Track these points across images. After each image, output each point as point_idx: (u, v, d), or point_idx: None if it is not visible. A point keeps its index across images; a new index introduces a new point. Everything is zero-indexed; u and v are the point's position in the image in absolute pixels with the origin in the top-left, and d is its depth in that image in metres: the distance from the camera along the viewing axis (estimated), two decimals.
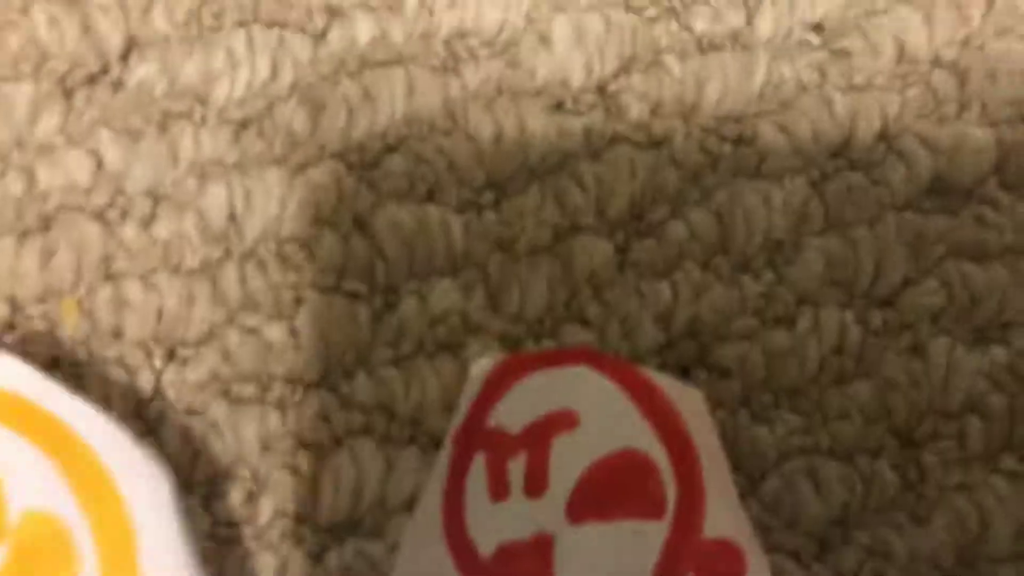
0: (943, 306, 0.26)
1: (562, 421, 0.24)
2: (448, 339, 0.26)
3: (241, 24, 0.27)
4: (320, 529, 0.25)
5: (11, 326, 0.25)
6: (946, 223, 0.27)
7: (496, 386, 0.24)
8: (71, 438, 0.24)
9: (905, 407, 0.26)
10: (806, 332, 0.26)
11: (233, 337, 0.25)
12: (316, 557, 0.24)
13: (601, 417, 0.24)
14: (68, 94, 0.26)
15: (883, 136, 0.27)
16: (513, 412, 0.24)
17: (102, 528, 0.23)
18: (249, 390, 0.25)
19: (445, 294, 0.26)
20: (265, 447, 0.25)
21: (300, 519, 0.25)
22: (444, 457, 0.24)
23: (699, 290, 0.26)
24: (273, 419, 0.25)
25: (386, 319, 0.26)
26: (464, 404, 0.24)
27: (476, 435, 0.24)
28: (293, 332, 0.25)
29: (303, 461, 0.25)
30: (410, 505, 0.25)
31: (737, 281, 0.26)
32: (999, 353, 0.26)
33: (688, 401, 0.24)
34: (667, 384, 0.24)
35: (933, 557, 0.25)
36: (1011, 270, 0.27)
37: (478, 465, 0.24)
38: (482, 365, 0.25)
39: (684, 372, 0.26)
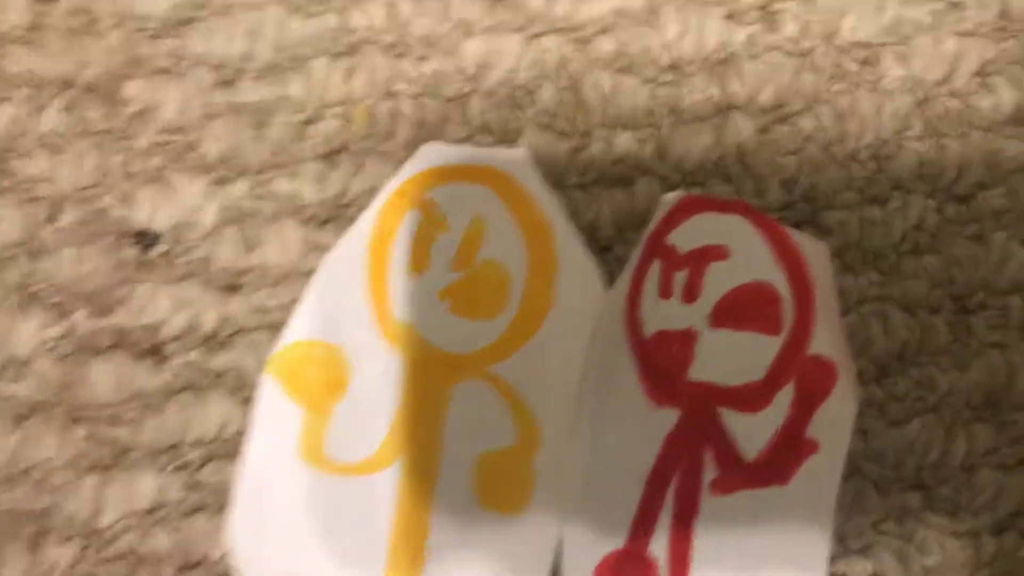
0: (1006, 208, 0.27)
1: (718, 252, 0.26)
2: (623, 175, 0.27)
3: None
4: None
5: (313, 121, 0.28)
6: (1018, 147, 0.27)
7: (677, 214, 0.26)
8: (543, 227, 0.27)
9: (964, 279, 0.27)
10: (895, 210, 0.27)
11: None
12: None
13: (746, 255, 0.26)
14: None
15: (979, 73, 0.28)
16: (685, 237, 0.26)
17: (532, 293, 0.26)
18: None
19: (626, 142, 0.28)
20: None
21: None
22: (635, 255, 0.26)
23: (818, 167, 0.27)
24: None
25: (581, 154, 0.28)
26: (654, 221, 0.26)
27: (657, 246, 0.26)
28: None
29: None
30: None
31: (847, 165, 0.27)
32: None
33: (815, 252, 0.26)
34: (801, 238, 0.26)
35: (967, 396, 0.26)
36: None
37: (655, 268, 0.26)
38: (671, 197, 0.26)
39: (796, 226, 0.27)
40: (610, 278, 0.27)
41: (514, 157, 0.27)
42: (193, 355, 0.27)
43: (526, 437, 0.25)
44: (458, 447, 0.25)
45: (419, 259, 0.26)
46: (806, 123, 0.28)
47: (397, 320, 0.26)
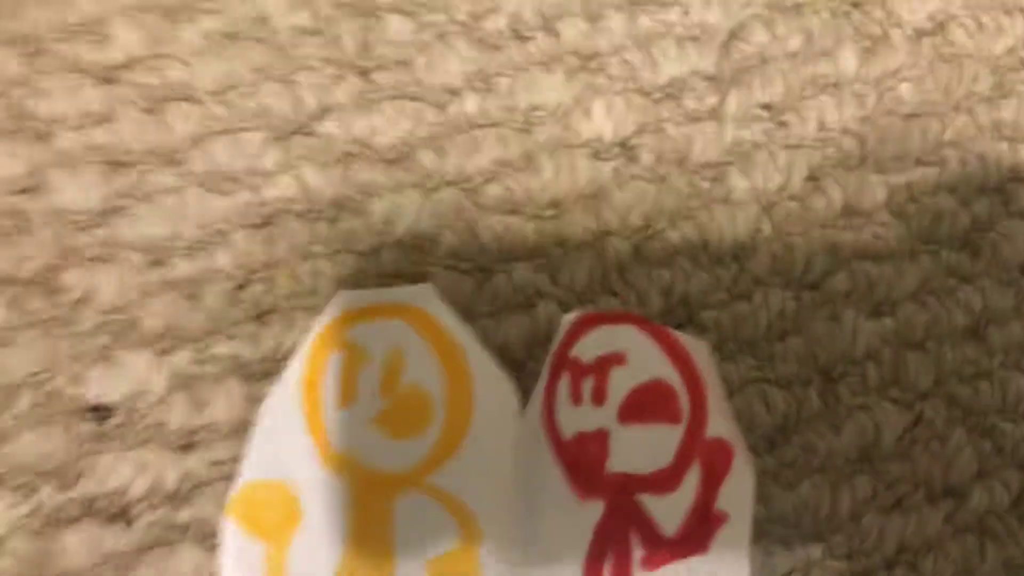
0: (850, 289, 0.30)
1: (617, 358, 0.28)
2: (524, 301, 0.29)
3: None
4: None
5: (242, 287, 0.29)
6: (852, 235, 0.30)
7: (577, 331, 0.28)
8: (455, 347, 0.28)
9: (825, 355, 0.29)
10: (759, 304, 0.30)
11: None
12: None
13: (642, 358, 0.28)
14: (282, 139, 0.31)
15: (811, 178, 0.31)
16: (587, 349, 0.28)
17: (454, 407, 0.27)
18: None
19: (523, 273, 0.29)
20: None
21: None
22: (544, 373, 0.28)
23: (688, 275, 0.30)
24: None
25: (485, 287, 0.29)
26: (557, 339, 0.28)
27: (564, 360, 0.28)
28: None
29: None
30: None
31: (713, 270, 0.30)
32: (888, 322, 0.30)
33: (698, 349, 0.28)
34: (684, 338, 0.28)
35: (844, 454, 0.29)
36: (896, 267, 0.30)
37: (564, 380, 0.28)
38: (570, 317, 0.28)
39: (678, 328, 0.29)
40: (524, 392, 0.29)
41: (421, 292, 0.28)
42: (159, 513, 0.27)
43: (468, 536, 0.27)
44: (408, 557, 0.27)
45: (347, 393, 0.27)
46: (673, 237, 0.30)
47: (337, 451, 0.27)
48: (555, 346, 0.28)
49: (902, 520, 0.29)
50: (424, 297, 0.28)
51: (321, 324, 0.28)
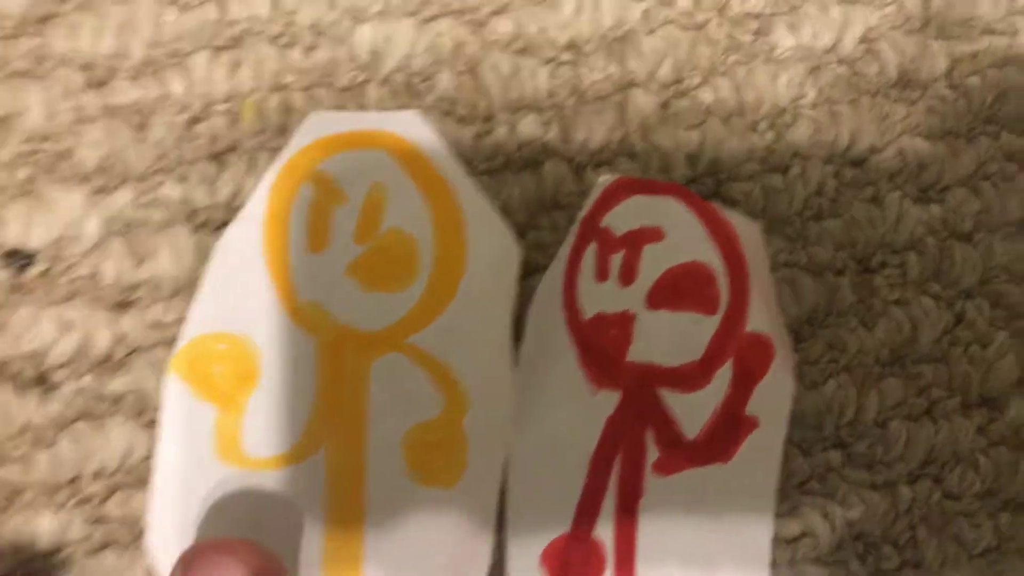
0: (898, 169, 0.25)
1: (653, 234, 0.23)
2: (530, 159, 0.24)
3: None
4: None
5: (198, 120, 0.23)
6: (905, 109, 0.25)
7: (611, 197, 0.23)
8: (445, 188, 0.22)
9: (864, 241, 0.24)
10: (795, 178, 0.24)
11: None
12: None
13: (681, 236, 0.23)
14: None
15: (864, 39, 0.25)
16: (620, 219, 0.23)
17: (442, 257, 0.22)
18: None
19: (530, 125, 0.24)
20: None
21: None
22: (570, 237, 0.23)
23: (719, 139, 0.24)
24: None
25: (485, 139, 0.24)
26: (588, 203, 0.23)
27: (592, 229, 0.23)
28: None
29: None
30: None
31: (747, 136, 0.25)
32: (936, 209, 0.25)
33: (748, 232, 0.23)
34: (734, 218, 0.23)
35: (875, 353, 0.24)
36: (950, 147, 0.25)
37: (591, 251, 0.23)
38: (604, 179, 0.23)
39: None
40: (526, 265, 0.23)
41: (406, 119, 0.23)
42: (85, 381, 0.21)
43: (452, 404, 0.22)
44: (384, 426, 0.22)
45: (318, 236, 0.22)
46: (706, 96, 0.25)
47: (304, 302, 0.22)
48: (585, 210, 0.23)
49: (932, 429, 0.24)
50: (412, 125, 0.23)
51: (289, 152, 0.22)
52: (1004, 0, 0.26)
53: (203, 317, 0.21)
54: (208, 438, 0.21)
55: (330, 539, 0.21)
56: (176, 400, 0.21)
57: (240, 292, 0.22)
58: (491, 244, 0.22)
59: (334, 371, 0.22)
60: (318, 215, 0.22)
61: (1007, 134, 0.25)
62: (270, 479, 0.21)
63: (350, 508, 0.21)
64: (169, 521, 0.21)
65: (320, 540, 0.21)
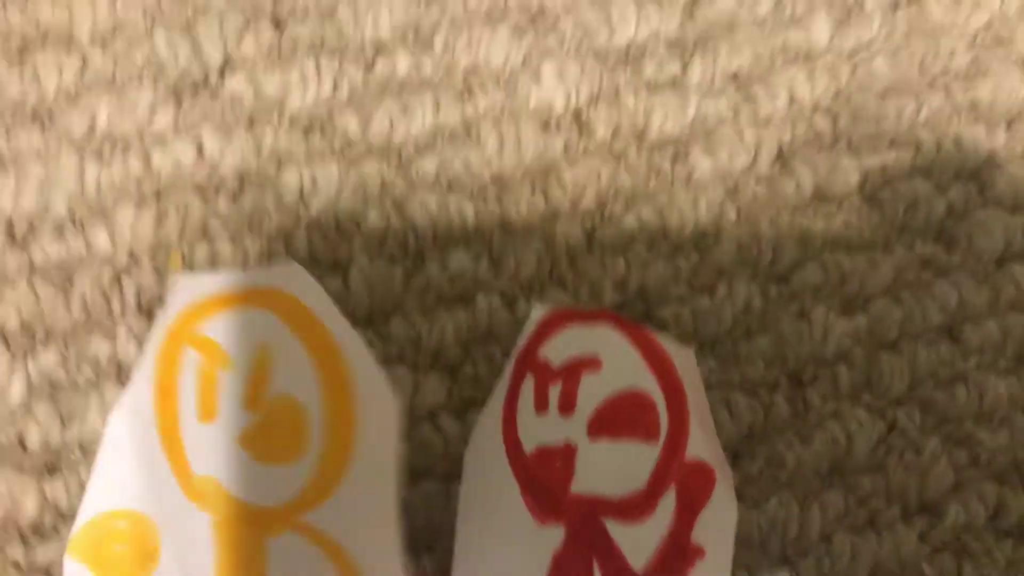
0: (821, 283, 0.25)
1: (590, 363, 0.22)
2: (462, 293, 0.24)
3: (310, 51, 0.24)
4: None
5: (128, 272, 0.22)
6: (824, 224, 0.25)
7: (547, 329, 0.22)
8: (333, 348, 0.20)
9: (794, 356, 0.24)
10: (723, 298, 0.24)
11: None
12: None
13: (618, 363, 0.22)
14: (178, 97, 0.24)
15: (779, 158, 0.26)
16: (556, 350, 0.22)
17: (333, 426, 0.20)
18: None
19: (460, 260, 0.24)
20: None
21: None
22: (507, 373, 0.22)
23: (645, 265, 0.24)
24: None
25: (416, 277, 0.23)
26: (523, 337, 0.22)
27: (529, 362, 0.22)
28: (346, 284, 0.23)
29: None
30: (430, 415, 0.23)
31: (673, 259, 0.24)
32: (861, 319, 0.25)
33: (682, 356, 0.22)
34: (668, 343, 0.22)
35: (814, 466, 0.24)
36: (869, 259, 0.25)
37: (528, 384, 0.22)
38: (538, 311, 0.22)
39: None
40: (460, 400, 0.23)
41: (291, 273, 0.21)
42: (11, 552, 0.20)
43: None
44: None
45: (207, 405, 0.20)
46: (629, 222, 0.25)
47: (198, 476, 0.20)
48: (521, 344, 0.22)
49: (876, 540, 0.24)
50: (295, 280, 0.20)
51: (169, 315, 0.20)
52: (907, 113, 0.26)
53: (102, 494, 0.20)
54: None
55: None
56: None
57: (136, 468, 0.20)
58: (378, 409, 0.21)
59: (231, 550, 0.20)
60: (205, 382, 0.20)
61: (920, 242, 0.26)
62: None
63: None
64: None
65: None
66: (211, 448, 0.20)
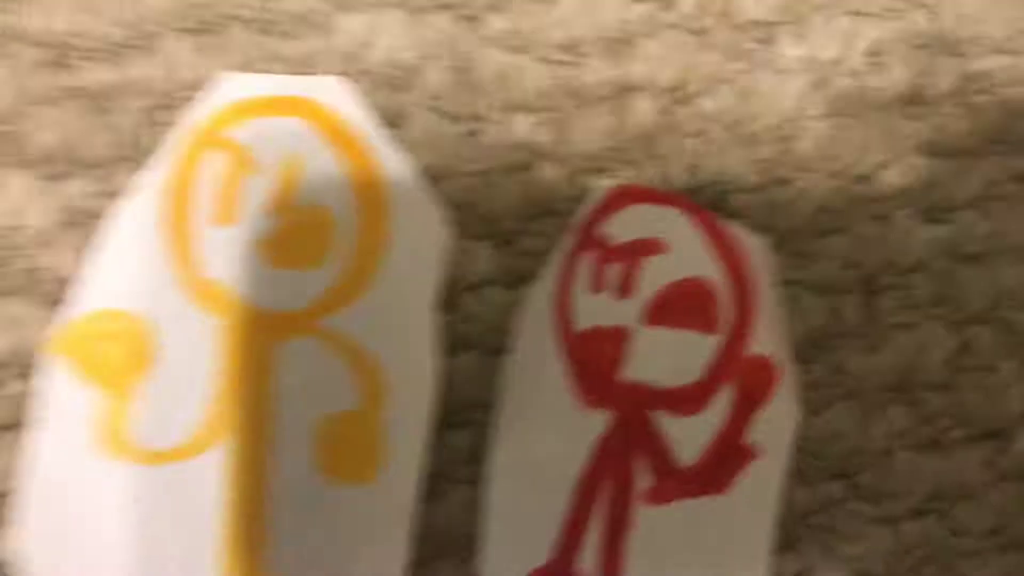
0: (906, 187, 0.23)
1: (654, 246, 0.21)
2: (523, 162, 0.22)
3: None
4: None
5: (166, 107, 0.20)
6: (914, 126, 0.23)
7: (611, 204, 0.21)
8: (370, 163, 0.20)
9: (870, 260, 0.23)
10: (800, 192, 0.23)
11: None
12: None
13: (684, 249, 0.21)
14: None
15: (872, 52, 0.23)
16: (619, 228, 0.21)
17: (364, 235, 0.20)
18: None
19: (524, 126, 0.22)
20: None
21: None
22: (564, 243, 0.21)
23: (721, 149, 0.23)
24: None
25: (476, 139, 0.22)
26: (585, 209, 0.21)
27: (588, 237, 0.21)
28: (401, 140, 0.21)
29: None
30: (478, 285, 0.21)
31: (751, 147, 0.23)
32: (943, 229, 0.23)
33: (755, 248, 0.21)
34: (741, 233, 0.21)
35: (879, 377, 0.22)
36: (959, 166, 0.23)
37: (586, 260, 0.21)
38: (603, 185, 0.21)
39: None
40: (514, 273, 0.21)
41: (330, 85, 0.21)
42: (19, 386, 0.18)
43: (371, 394, 0.19)
44: (293, 416, 0.19)
45: (227, 208, 0.20)
46: (707, 104, 0.23)
47: (209, 280, 0.19)
48: (582, 217, 0.21)
49: (938, 461, 0.22)
50: (335, 91, 0.20)
51: (197, 115, 0.20)
52: (1015, 19, 0.24)
53: (93, 291, 0.19)
54: (89, 426, 0.18)
55: (230, 539, 0.19)
56: (55, 384, 0.18)
57: (135, 267, 0.19)
58: (417, 223, 0.20)
59: (238, 355, 0.19)
60: (226, 186, 0.19)
61: (1016, 155, 0.24)
62: (162, 474, 0.19)
63: (252, 507, 0.19)
64: (41, 517, 0.18)
65: (218, 542, 0.18)
66: (227, 252, 0.19)
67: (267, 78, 0.20)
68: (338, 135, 0.20)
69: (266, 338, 0.19)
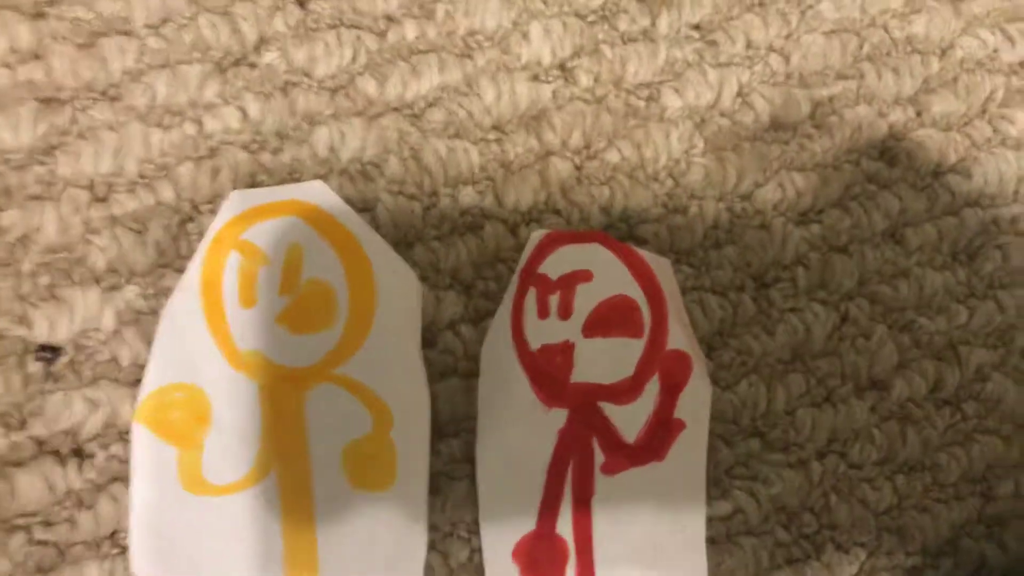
0: (780, 199, 0.28)
1: (583, 276, 0.26)
2: (472, 223, 0.27)
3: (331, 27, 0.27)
4: None
5: (191, 219, 0.25)
6: (780, 149, 0.28)
7: (544, 248, 0.26)
8: (352, 241, 0.25)
9: (758, 262, 0.27)
10: (694, 216, 0.27)
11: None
12: None
13: (607, 275, 0.26)
14: (223, 71, 0.26)
15: (739, 94, 0.28)
16: (554, 266, 0.26)
17: (357, 299, 0.25)
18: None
19: (468, 196, 0.27)
20: None
21: None
22: (512, 287, 0.26)
23: (627, 191, 0.27)
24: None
25: (432, 211, 0.26)
26: (525, 255, 0.26)
27: (531, 276, 0.26)
28: (374, 219, 0.26)
29: None
30: (451, 325, 0.26)
31: (650, 185, 0.27)
32: (815, 228, 0.28)
33: (660, 266, 0.26)
34: (648, 256, 0.26)
35: (777, 354, 0.27)
36: (820, 176, 0.28)
37: (531, 295, 0.26)
38: (536, 234, 0.26)
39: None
40: (475, 312, 0.26)
41: (312, 188, 0.26)
42: (115, 448, 0.23)
43: (379, 420, 0.25)
44: (323, 445, 0.24)
45: (247, 294, 0.25)
46: (612, 156, 0.28)
47: (243, 351, 0.24)
48: (523, 262, 0.26)
49: (832, 412, 0.27)
50: (316, 192, 0.25)
51: (216, 226, 0.25)
52: (850, 50, 0.29)
53: (158, 372, 0.24)
54: (173, 473, 0.23)
55: (288, 544, 0.24)
56: (142, 443, 0.23)
57: (187, 348, 0.24)
58: (396, 283, 0.25)
59: (275, 406, 0.24)
60: (245, 277, 0.24)
61: (866, 160, 0.29)
62: (232, 502, 0.24)
63: (302, 517, 0.24)
64: (148, 547, 0.23)
65: (280, 545, 0.23)
66: (253, 327, 0.24)
67: (266, 189, 0.25)
68: (325, 224, 0.25)
69: (293, 389, 0.24)
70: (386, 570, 0.24)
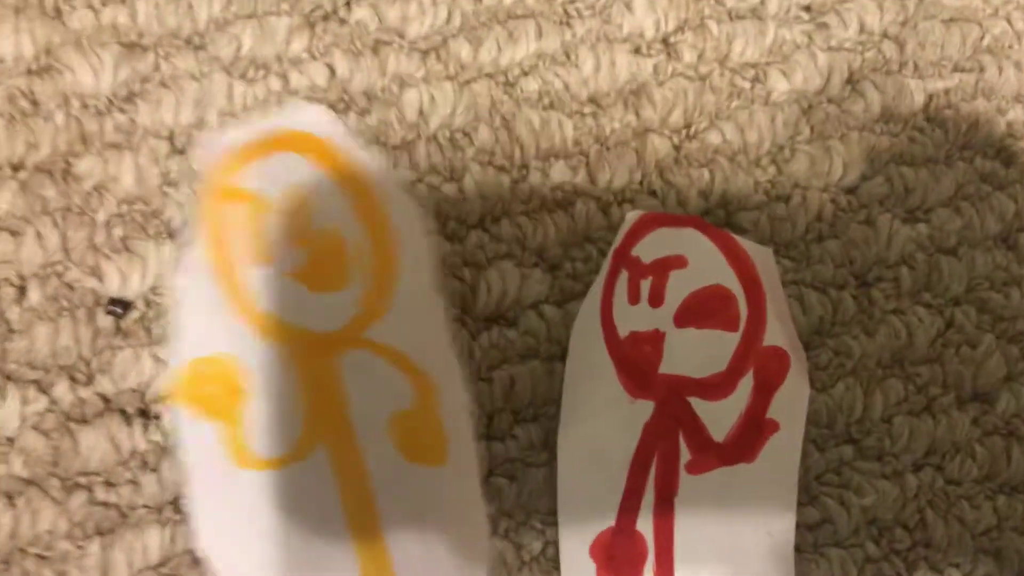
0: (887, 194, 0.26)
1: (678, 261, 0.24)
2: (561, 200, 0.25)
3: None
4: (477, 318, 0.24)
5: None
6: (889, 141, 0.26)
7: (638, 230, 0.24)
8: (362, 180, 0.22)
9: (861, 259, 0.26)
10: (797, 206, 0.26)
11: (422, 190, 0.24)
12: (473, 335, 0.24)
13: (702, 262, 0.24)
14: (312, 25, 0.25)
15: (849, 81, 0.27)
16: (647, 249, 0.24)
17: (378, 251, 0.22)
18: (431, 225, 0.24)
19: (560, 171, 0.25)
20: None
21: (464, 311, 0.24)
22: (604, 268, 0.24)
23: (727, 175, 0.26)
24: (446, 246, 0.24)
25: (521, 185, 0.25)
26: (618, 237, 0.24)
27: (623, 258, 0.24)
28: (461, 190, 0.25)
29: (467, 273, 0.24)
30: (534, 305, 0.24)
31: (752, 171, 0.26)
32: (922, 227, 0.26)
33: (761, 256, 0.25)
34: (748, 244, 0.25)
35: (876, 357, 0.25)
36: (932, 173, 0.26)
37: (623, 278, 0.24)
38: (631, 215, 0.25)
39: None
40: (561, 292, 0.25)
41: (314, 115, 0.22)
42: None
43: (423, 393, 0.22)
44: (367, 415, 0.22)
45: (260, 249, 0.22)
46: (713, 138, 0.26)
47: (262, 313, 0.22)
48: (616, 243, 0.25)
49: (932, 423, 0.25)
50: (316, 120, 0.22)
51: (202, 175, 0.22)
52: (971, 41, 0.27)
53: (184, 346, 0.22)
54: (219, 450, 0.22)
55: (351, 517, 0.21)
56: (183, 423, 0.22)
57: (207, 317, 0.22)
58: (414, 232, 0.22)
59: (308, 373, 0.22)
60: (253, 230, 0.22)
61: (980, 159, 0.27)
62: (283, 475, 0.22)
63: (361, 491, 0.22)
64: (213, 525, 0.21)
65: (343, 519, 0.21)
66: (270, 287, 0.22)
67: (253, 123, 0.22)
68: (329, 159, 0.22)
69: (326, 354, 0.22)
70: (450, 552, 0.22)
